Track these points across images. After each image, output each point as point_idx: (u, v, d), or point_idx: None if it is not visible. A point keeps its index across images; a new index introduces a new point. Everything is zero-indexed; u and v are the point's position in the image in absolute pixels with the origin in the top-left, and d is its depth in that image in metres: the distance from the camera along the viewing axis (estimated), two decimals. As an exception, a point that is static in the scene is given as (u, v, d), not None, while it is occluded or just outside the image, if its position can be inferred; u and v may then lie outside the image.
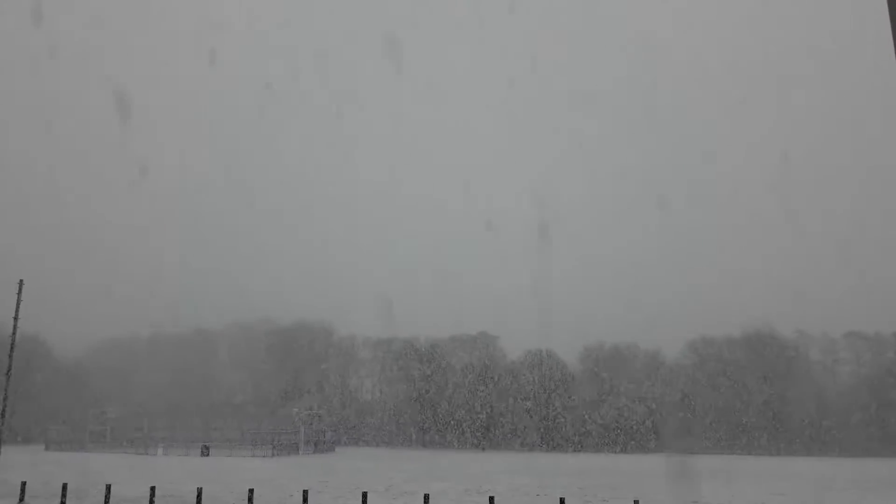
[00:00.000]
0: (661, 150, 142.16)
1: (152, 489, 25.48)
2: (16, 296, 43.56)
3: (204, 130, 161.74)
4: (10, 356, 44.08)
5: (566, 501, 24.73)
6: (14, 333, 43.83)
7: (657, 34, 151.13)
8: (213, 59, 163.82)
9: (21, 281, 43.95)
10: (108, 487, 26.32)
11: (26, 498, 27.07)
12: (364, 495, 24.67)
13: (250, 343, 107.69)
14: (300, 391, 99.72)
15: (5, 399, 42.34)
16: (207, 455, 68.73)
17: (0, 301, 48.99)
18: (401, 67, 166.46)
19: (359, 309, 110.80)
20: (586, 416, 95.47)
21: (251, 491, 25.14)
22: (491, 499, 25.14)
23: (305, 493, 25.10)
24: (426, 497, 24.30)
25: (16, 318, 43.64)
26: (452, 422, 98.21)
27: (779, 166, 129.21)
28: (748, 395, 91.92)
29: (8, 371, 43.24)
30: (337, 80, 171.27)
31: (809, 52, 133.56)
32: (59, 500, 25.87)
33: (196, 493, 25.51)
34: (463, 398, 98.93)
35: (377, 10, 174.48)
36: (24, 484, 27.38)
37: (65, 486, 26.35)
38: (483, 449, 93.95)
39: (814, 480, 47.11)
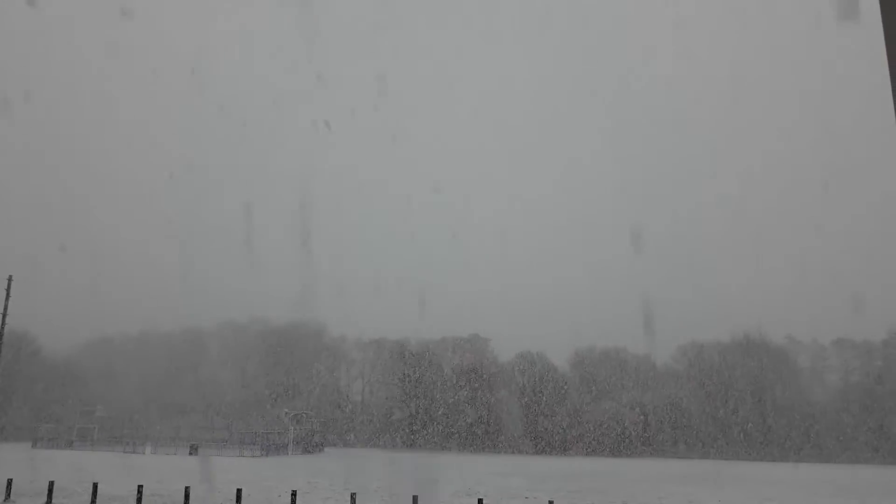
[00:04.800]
0: (656, 158, 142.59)
1: (139, 488, 25.35)
2: (4, 292, 43.28)
3: (198, 129, 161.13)
4: (-2, 353, 43.82)
5: (555, 505, 24.73)
6: (2, 330, 43.52)
7: (658, 41, 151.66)
8: (210, 58, 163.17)
9: (10, 277, 43.68)
10: (95, 486, 26.17)
11: (13, 496, 26.87)
12: (353, 496, 24.62)
13: (241, 343, 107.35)
14: (290, 391, 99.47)
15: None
16: (196, 454, 68.44)
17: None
18: (402, 70, 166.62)
19: (350, 310, 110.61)
20: (577, 420, 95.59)
21: (239, 491, 25.05)
22: (480, 501, 25.16)
23: (294, 493, 25.03)
24: (415, 498, 24.28)
25: (4, 315, 43.37)
26: (443, 423, 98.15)
27: (772, 175, 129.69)
28: (738, 400, 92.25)
29: (-4, 368, 42.96)
30: (335, 81, 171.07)
31: (809, 64, 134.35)
32: (45, 498, 25.70)
33: (184, 493, 25.41)
34: (453, 400, 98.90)
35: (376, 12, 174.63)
36: (10, 481, 27.19)
37: (51, 484, 26.18)
38: (473, 451, 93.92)
39: (802, 486, 47.30)
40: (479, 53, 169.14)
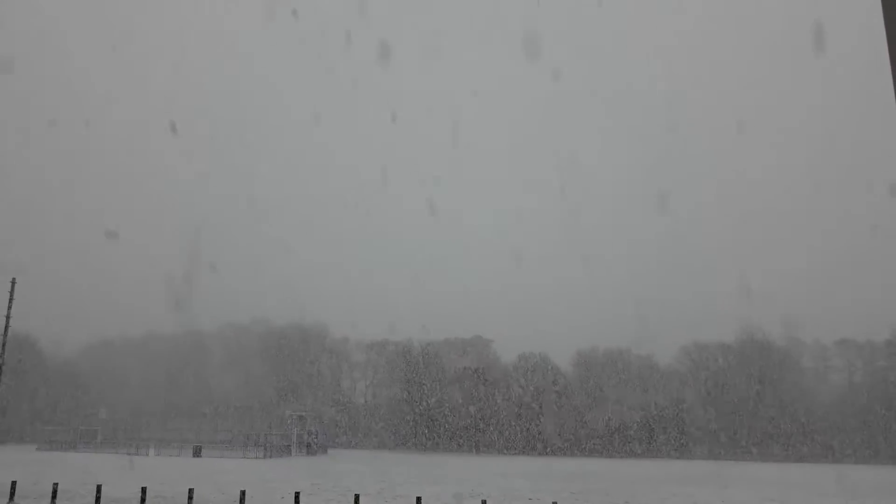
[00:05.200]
0: (657, 158, 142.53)
1: (143, 490, 25.41)
2: (7, 295, 43.36)
3: (198, 131, 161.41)
4: (2, 355, 43.84)
5: (558, 505, 24.73)
6: (6, 333, 43.61)
7: (660, 42, 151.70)
8: (208, 59, 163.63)
9: (13, 279, 43.77)
10: (99, 488, 26.23)
11: (16, 498, 26.91)
12: (356, 498, 24.64)
13: (243, 344, 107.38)
14: (293, 393, 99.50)
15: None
16: (199, 456, 68.51)
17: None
18: (396, 72, 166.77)
19: (352, 311, 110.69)
20: (579, 421, 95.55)
21: (243, 493, 25.08)
22: (483, 502, 25.20)
23: (297, 495, 25.05)
24: (418, 500, 24.33)
25: (8, 318, 43.44)
26: (445, 425, 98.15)
27: (775, 175, 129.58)
28: (740, 401, 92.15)
29: (-1, 370, 43.00)
30: (331, 82, 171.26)
31: (810, 65, 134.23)
32: (49, 500, 25.75)
33: (187, 495, 25.46)
34: (456, 401, 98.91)
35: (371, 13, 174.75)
36: (14, 483, 27.23)
37: (55, 486, 26.24)
38: (476, 452, 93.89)
39: (805, 487, 47.25)
40: (480, 54, 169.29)
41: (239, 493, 25.48)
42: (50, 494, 26.08)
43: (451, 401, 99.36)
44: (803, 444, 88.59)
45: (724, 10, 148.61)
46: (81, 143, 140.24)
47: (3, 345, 43.81)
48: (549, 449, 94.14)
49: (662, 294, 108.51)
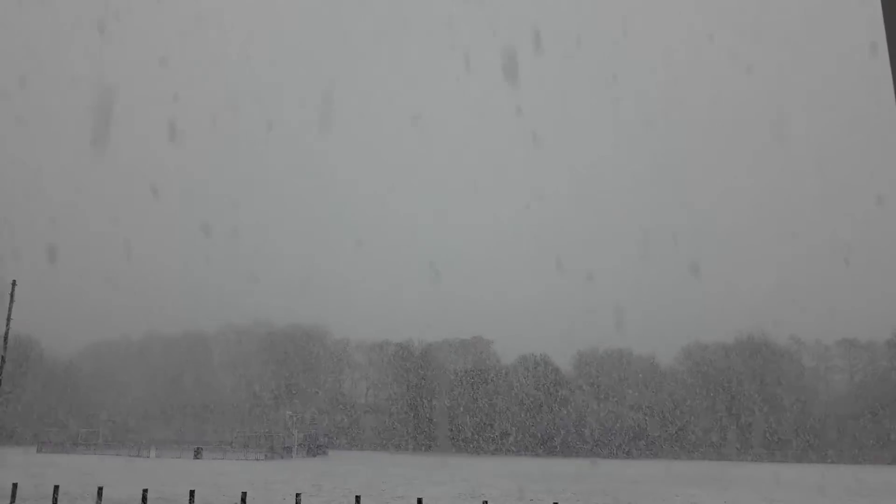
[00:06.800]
0: (660, 161, 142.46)
1: (144, 492, 25.39)
2: (8, 297, 43.32)
3: (200, 133, 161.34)
4: (3, 357, 43.79)
5: (559, 506, 24.70)
6: (7, 335, 43.56)
7: (664, 44, 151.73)
8: (210, 63, 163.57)
9: (14, 282, 43.73)
10: (100, 490, 26.21)
11: (17, 500, 26.89)
12: (357, 499, 24.60)
13: (244, 346, 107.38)
14: (293, 394, 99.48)
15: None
16: (200, 458, 68.49)
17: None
18: (395, 79, 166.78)
19: (353, 312, 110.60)
20: (579, 421, 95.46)
21: (244, 494, 25.04)
22: (485, 503, 25.16)
23: (298, 496, 25.01)
24: (419, 501, 24.30)
25: (8, 319, 43.39)
26: (446, 426, 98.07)
27: (775, 175, 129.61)
28: (742, 401, 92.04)
29: None
30: (330, 86, 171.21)
31: (807, 68, 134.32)
32: (50, 502, 25.73)
33: (188, 496, 25.43)
34: (457, 402, 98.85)
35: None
36: (15, 486, 27.20)
37: (56, 488, 26.20)
38: (477, 453, 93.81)
39: (807, 487, 47.19)
40: (482, 54, 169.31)
41: (240, 494, 25.45)
42: (51, 496, 26.06)
43: (451, 401, 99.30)
44: (806, 445, 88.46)
45: (725, 11, 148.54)
46: (80, 145, 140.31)
47: (4, 346, 43.78)
48: (549, 450, 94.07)
49: (663, 295, 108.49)
